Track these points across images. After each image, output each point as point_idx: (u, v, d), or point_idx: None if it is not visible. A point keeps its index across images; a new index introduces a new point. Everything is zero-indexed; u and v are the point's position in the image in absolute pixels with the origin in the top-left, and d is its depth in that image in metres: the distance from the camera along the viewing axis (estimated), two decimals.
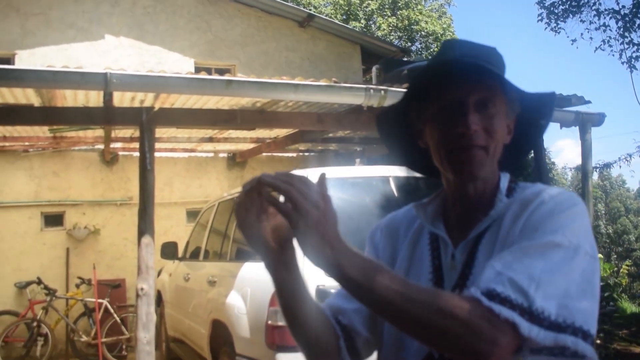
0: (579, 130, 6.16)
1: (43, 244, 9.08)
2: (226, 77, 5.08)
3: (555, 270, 1.05)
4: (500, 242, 1.21)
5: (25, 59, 9.10)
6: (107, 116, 5.20)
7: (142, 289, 4.88)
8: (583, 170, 6.26)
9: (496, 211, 1.24)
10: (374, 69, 10.10)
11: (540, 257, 1.07)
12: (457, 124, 1.20)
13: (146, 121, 4.97)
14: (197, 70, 10.06)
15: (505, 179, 1.31)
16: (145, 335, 4.84)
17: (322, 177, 1.12)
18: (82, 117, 5.35)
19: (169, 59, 9.99)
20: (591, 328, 1.06)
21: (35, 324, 8.20)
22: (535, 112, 1.32)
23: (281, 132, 7.98)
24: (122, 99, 5.66)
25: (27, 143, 8.45)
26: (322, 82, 5.26)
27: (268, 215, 1.16)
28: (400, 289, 1.04)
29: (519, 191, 1.30)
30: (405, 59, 11.61)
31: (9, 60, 9.17)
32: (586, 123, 6.12)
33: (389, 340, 1.33)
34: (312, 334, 1.28)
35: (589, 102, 6.75)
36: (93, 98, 5.53)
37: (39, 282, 8.44)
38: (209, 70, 10.22)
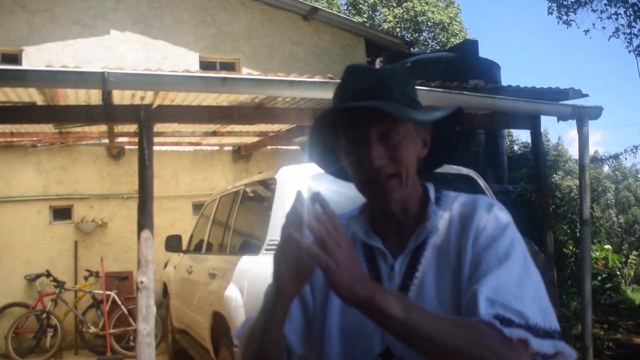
0: (576, 124, 6.17)
1: (52, 237, 9.25)
2: (222, 74, 5.16)
3: (524, 281, 1.19)
4: (444, 256, 1.28)
5: (32, 55, 9.23)
6: (106, 114, 5.30)
7: (141, 282, 4.99)
8: (580, 163, 6.28)
9: (431, 223, 1.31)
10: (377, 62, 10.15)
11: (509, 275, 1.18)
12: (362, 158, 1.25)
13: (144, 118, 5.07)
14: (202, 64, 10.16)
15: (431, 190, 1.38)
16: (145, 327, 4.95)
17: (322, 201, 1.12)
18: (82, 114, 5.46)
19: (174, 54, 10.09)
20: (558, 326, 1.20)
21: (44, 315, 8.37)
22: (447, 121, 1.36)
23: (283, 125, 8.05)
24: (122, 96, 5.76)
25: (35, 138, 8.59)
26: (317, 79, 5.32)
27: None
28: (432, 321, 1.11)
29: (445, 200, 1.36)
30: (408, 51, 11.61)
31: (17, 56, 9.31)
32: (583, 116, 6.13)
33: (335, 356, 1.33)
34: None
35: (586, 95, 6.78)
36: (94, 96, 5.63)
37: (48, 274, 8.61)
38: (213, 64, 10.33)
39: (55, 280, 8.57)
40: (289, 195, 4.38)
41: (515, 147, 14.21)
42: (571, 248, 8.52)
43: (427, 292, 1.25)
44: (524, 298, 1.16)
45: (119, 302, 8.49)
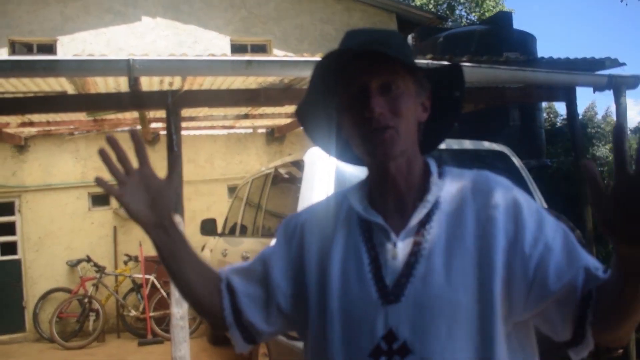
0: (613, 94, 5.97)
1: (91, 223, 9.46)
2: (247, 57, 5.14)
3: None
4: (457, 235, 1.23)
5: (66, 45, 9.39)
6: (134, 100, 5.33)
7: None
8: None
9: (433, 195, 1.27)
10: (409, 37, 9.99)
11: (574, 240, 1.22)
12: (363, 109, 1.22)
13: (171, 104, 5.08)
14: (233, 47, 10.18)
15: (433, 164, 1.34)
16: (179, 311, 5.01)
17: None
18: (110, 102, 5.51)
19: (205, 38, 10.12)
20: None
21: (86, 300, 8.59)
22: (447, 85, 1.34)
23: None
24: (151, 82, 5.81)
25: (71, 127, 8.75)
26: None
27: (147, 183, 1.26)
28: None
29: (449, 175, 1.32)
30: (441, 26, 11.39)
31: (52, 46, 9.49)
32: (620, 86, 5.92)
33: (332, 334, 1.28)
34: (197, 299, 1.36)
35: (623, 64, 6.56)
36: (123, 83, 5.69)
37: (89, 259, 8.83)
38: (244, 47, 10.33)
39: (95, 265, 8.77)
40: (317, 176, 4.38)
41: (559, 120, 13.84)
42: None
43: (435, 270, 1.20)
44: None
45: (158, 286, 8.62)
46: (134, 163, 1.26)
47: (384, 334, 1.21)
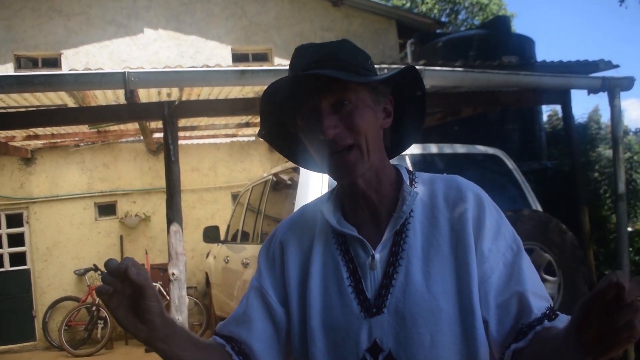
0: (608, 96, 6.01)
1: (98, 232, 9.61)
2: (240, 67, 5.25)
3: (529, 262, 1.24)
4: (432, 242, 1.23)
5: (71, 58, 9.54)
6: (131, 112, 5.45)
7: (173, 274, 5.15)
8: (613, 137, 6.12)
9: (408, 205, 1.25)
10: (408, 43, 10.05)
11: (527, 262, 1.23)
12: (318, 131, 1.19)
13: (168, 115, 5.20)
14: (235, 56, 10.29)
15: (404, 171, 1.33)
16: (179, 318, 5.11)
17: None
18: (109, 114, 5.65)
19: (207, 48, 10.25)
20: None
21: (94, 308, 8.72)
22: (407, 86, 1.30)
23: None
24: (149, 94, 5.92)
25: (76, 138, 8.90)
26: None
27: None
28: None
29: (421, 182, 1.32)
30: (442, 31, 11.45)
31: (56, 60, 9.65)
32: (614, 88, 5.95)
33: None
34: None
35: (617, 66, 6.58)
36: (122, 95, 5.80)
37: (96, 268, 8.96)
38: (246, 56, 10.44)
39: (103, 273, 8.86)
40: (311, 181, 4.45)
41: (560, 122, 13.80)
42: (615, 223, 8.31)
43: (415, 279, 1.20)
44: (539, 279, 1.22)
45: (165, 293, 8.70)
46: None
47: (368, 346, 1.20)
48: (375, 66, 1.32)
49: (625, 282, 0.81)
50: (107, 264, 1.09)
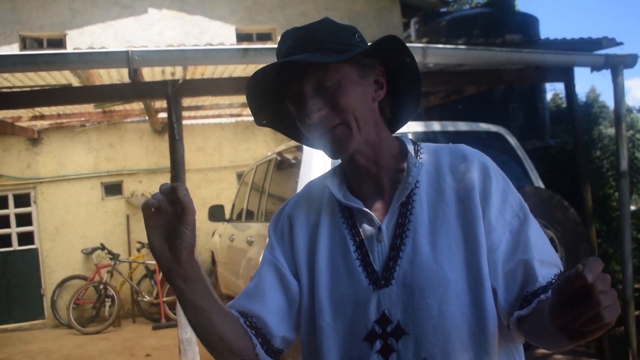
0: (611, 74, 5.97)
1: (105, 212, 9.70)
2: (243, 45, 5.27)
3: (539, 228, 1.26)
4: (439, 213, 1.23)
5: (75, 39, 9.56)
6: (135, 91, 5.49)
7: None
8: (616, 114, 6.11)
9: (413, 177, 1.26)
10: (412, 22, 10.02)
11: (536, 229, 1.24)
12: (305, 115, 1.22)
13: (172, 93, 5.22)
14: (239, 36, 10.28)
15: (408, 142, 1.33)
16: None
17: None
18: (113, 93, 5.68)
19: (211, 28, 10.23)
20: None
21: (102, 286, 8.83)
22: (394, 55, 1.29)
23: None
24: (153, 73, 5.95)
25: (82, 119, 8.96)
26: None
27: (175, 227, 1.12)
28: None
29: (426, 152, 1.32)
30: (443, 10, 11.39)
31: (61, 40, 9.67)
32: (617, 65, 5.92)
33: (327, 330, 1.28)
34: (227, 349, 1.25)
35: (620, 43, 6.56)
36: (126, 75, 5.84)
37: (103, 247, 9.06)
38: (250, 36, 10.43)
39: (110, 252, 9.01)
40: (314, 160, 4.49)
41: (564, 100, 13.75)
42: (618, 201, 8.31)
43: (422, 250, 1.21)
44: (549, 246, 1.24)
45: None
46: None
47: (377, 318, 1.21)
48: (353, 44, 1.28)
49: (589, 275, 0.83)
50: (161, 186, 1.11)
